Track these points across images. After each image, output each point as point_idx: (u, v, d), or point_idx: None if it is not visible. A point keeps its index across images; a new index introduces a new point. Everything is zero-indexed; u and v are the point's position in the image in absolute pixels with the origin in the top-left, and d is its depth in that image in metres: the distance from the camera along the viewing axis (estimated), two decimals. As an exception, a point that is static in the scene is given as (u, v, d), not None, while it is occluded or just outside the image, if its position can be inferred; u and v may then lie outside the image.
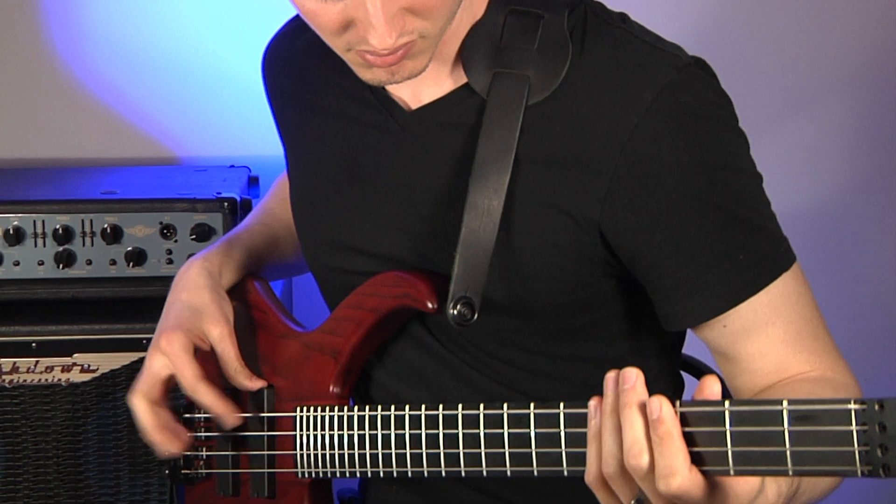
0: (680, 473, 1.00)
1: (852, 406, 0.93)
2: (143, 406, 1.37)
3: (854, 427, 0.92)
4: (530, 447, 1.17)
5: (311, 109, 1.43)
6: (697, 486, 1.01)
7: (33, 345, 1.84)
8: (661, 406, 1.01)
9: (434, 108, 1.32)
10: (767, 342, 1.25)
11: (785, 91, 2.36)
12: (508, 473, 1.20)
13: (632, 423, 1.03)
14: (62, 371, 1.84)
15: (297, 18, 1.51)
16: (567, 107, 1.25)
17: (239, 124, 2.28)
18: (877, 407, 0.91)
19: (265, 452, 1.39)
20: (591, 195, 1.24)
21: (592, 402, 1.08)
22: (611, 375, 1.06)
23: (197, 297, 1.40)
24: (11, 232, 1.85)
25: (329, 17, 1.17)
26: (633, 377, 1.04)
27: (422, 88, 1.32)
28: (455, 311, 1.25)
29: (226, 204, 1.88)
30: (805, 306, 1.27)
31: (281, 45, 1.51)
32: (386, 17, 1.14)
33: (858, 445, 0.92)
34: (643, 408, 1.03)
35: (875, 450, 0.91)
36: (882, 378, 2.45)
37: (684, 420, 1.01)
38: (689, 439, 1.01)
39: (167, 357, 1.36)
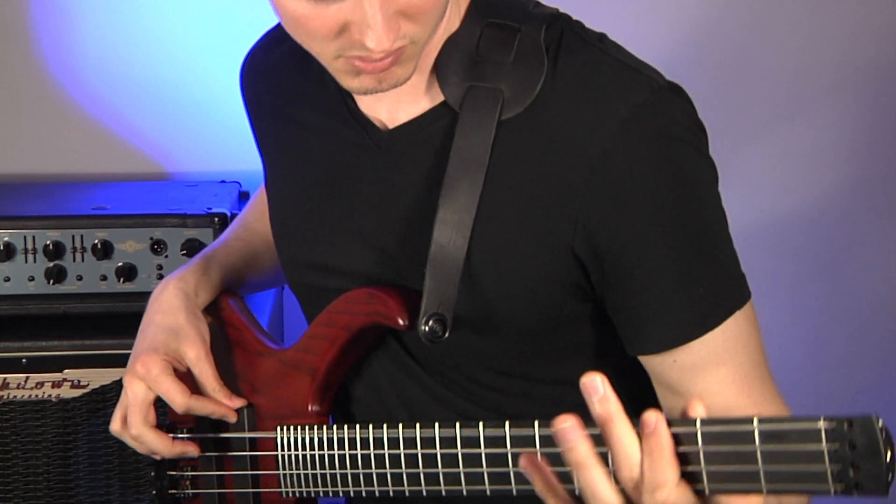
0: (668, 486, 0.99)
1: (822, 424, 0.93)
2: (150, 434, 1.38)
3: (825, 446, 0.93)
4: (508, 466, 1.17)
5: (290, 123, 1.42)
6: (685, 500, 1.00)
7: (23, 360, 1.83)
8: (657, 420, 0.99)
9: (410, 128, 1.30)
10: (717, 382, 1.23)
11: (782, 94, 2.35)
12: (488, 492, 1.19)
13: (619, 438, 1.00)
14: (52, 387, 1.84)
15: (274, 30, 1.50)
16: (539, 124, 1.24)
17: (229, 139, 2.28)
18: (846, 426, 0.92)
19: (249, 472, 1.39)
20: (562, 216, 1.22)
21: (567, 425, 1.02)
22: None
23: (172, 319, 1.40)
24: (2, 248, 1.85)
25: (322, 21, 1.15)
26: (600, 385, 1.00)
27: (398, 106, 1.31)
28: (426, 328, 1.24)
29: (216, 219, 1.88)
30: (755, 349, 1.25)
31: (258, 57, 1.50)
32: (384, 17, 1.13)
33: (830, 464, 0.92)
34: (627, 420, 1.00)
35: (847, 468, 0.92)
36: (882, 383, 2.46)
37: (675, 439, 1.00)
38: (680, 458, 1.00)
39: (146, 382, 1.37)
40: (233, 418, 1.38)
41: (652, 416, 0.99)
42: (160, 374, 1.36)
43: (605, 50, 1.27)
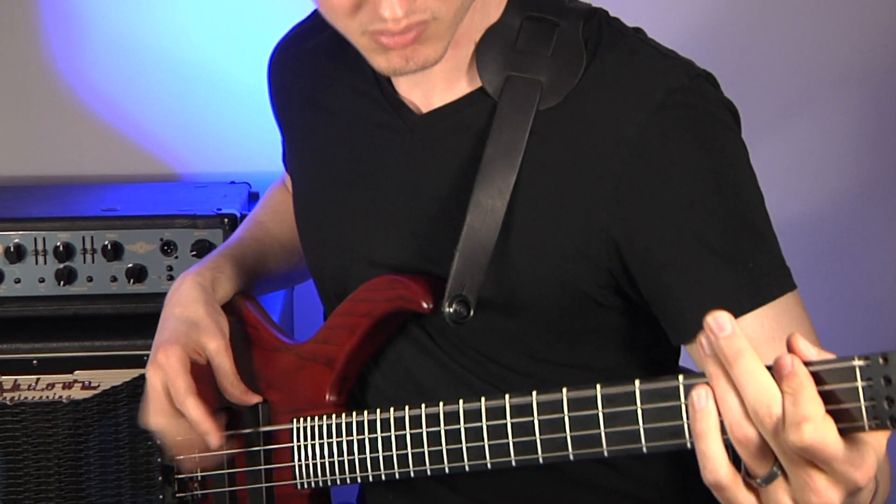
0: (813, 419, 0.89)
1: (856, 363, 0.92)
2: (164, 423, 1.37)
3: (860, 383, 0.92)
4: (534, 435, 1.16)
5: (320, 109, 1.44)
6: (833, 436, 0.90)
7: (34, 362, 1.84)
8: (793, 362, 0.90)
9: (445, 112, 1.32)
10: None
11: (790, 92, 2.35)
12: (514, 463, 1.18)
13: (752, 373, 0.91)
14: (63, 388, 1.84)
15: (306, 21, 1.52)
16: (577, 111, 1.26)
17: (239, 140, 2.28)
18: (881, 361, 0.91)
19: (262, 467, 1.39)
20: (599, 197, 1.23)
21: (694, 392, 0.94)
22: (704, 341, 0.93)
23: (192, 311, 1.40)
24: (12, 249, 1.85)
25: None
26: (727, 323, 0.91)
27: (433, 91, 1.32)
28: (451, 310, 1.25)
29: (226, 220, 1.88)
30: (809, 329, 1.24)
31: (290, 46, 1.52)
32: None
33: (865, 401, 0.92)
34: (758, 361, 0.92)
35: (882, 402, 0.91)
36: None
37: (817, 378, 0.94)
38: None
39: (163, 370, 1.36)
40: (214, 442, 1.36)
41: (787, 359, 0.90)
42: (175, 363, 1.35)
43: (644, 40, 1.30)
